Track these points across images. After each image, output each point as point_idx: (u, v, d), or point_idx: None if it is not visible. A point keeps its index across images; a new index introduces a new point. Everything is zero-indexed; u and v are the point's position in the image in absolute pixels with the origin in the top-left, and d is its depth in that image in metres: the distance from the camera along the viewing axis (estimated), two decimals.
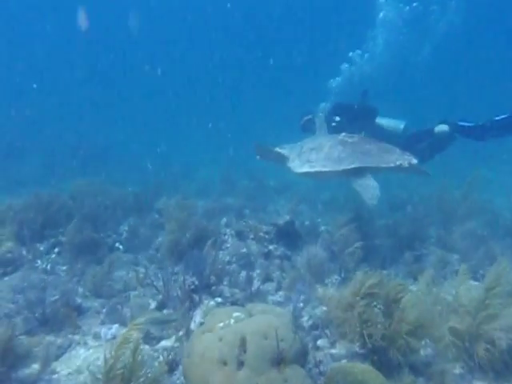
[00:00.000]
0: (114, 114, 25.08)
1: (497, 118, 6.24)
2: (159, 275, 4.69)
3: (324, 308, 3.89)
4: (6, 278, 4.47)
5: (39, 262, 4.92)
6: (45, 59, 32.86)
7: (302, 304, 4.37)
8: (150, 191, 8.99)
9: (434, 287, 3.87)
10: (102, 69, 33.43)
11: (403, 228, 6.17)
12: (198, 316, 3.93)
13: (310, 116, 7.02)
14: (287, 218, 5.94)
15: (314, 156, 5.49)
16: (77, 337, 3.72)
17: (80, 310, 4.19)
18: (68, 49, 33.35)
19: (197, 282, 4.24)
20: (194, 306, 4.09)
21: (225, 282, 4.66)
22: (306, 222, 7.34)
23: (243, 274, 4.80)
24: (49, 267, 4.81)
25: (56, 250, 5.41)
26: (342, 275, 4.90)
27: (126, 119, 24.15)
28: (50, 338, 3.61)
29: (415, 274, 5.05)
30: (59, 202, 5.91)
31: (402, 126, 6.50)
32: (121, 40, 33.75)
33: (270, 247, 5.52)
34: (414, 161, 5.18)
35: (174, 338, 3.74)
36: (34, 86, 21.58)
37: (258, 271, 5.07)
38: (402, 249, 5.73)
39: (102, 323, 4.00)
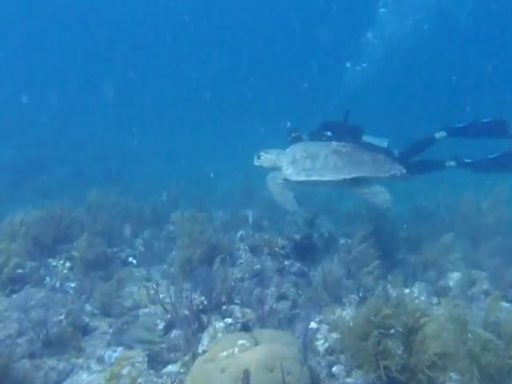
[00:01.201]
0: (137, 121, 25.31)
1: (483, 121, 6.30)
2: (171, 292, 4.53)
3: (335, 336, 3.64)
4: (14, 296, 4.38)
5: (47, 278, 4.82)
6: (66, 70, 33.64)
7: (316, 325, 4.14)
8: (168, 202, 8.91)
9: (460, 311, 3.57)
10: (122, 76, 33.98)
11: (427, 242, 5.84)
12: (205, 339, 3.75)
13: (297, 133, 6.97)
14: (304, 231, 5.69)
15: (309, 165, 5.54)
16: (80, 360, 3.59)
17: (86, 330, 4.07)
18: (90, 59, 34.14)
19: (206, 302, 4.06)
20: (202, 327, 3.91)
21: (236, 301, 4.46)
22: (326, 235, 7.09)
23: (256, 291, 4.59)
24: (57, 284, 4.71)
25: (68, 265, 5.33)
26: (361, 294, 4.62)
27: (149, 126, 24.32)
28: (52, 361, 3.48)
29: (440, 293, 4.75)
30: (71, 215, 5.83)
31: (385, 144, 6.51)
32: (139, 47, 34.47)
33: (286, 263, 5.29)
34: (404, 170, 5.54)
35: (180, 362, 3.57)
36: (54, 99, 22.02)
37: (272, 289, 4.85)
38: (425, 265, 5.41)
39: (108, 345, 3.86)
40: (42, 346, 3.65)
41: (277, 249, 5.31)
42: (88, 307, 4.49)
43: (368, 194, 5.35)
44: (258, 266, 5.08)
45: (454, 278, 5.26)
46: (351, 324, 3.12)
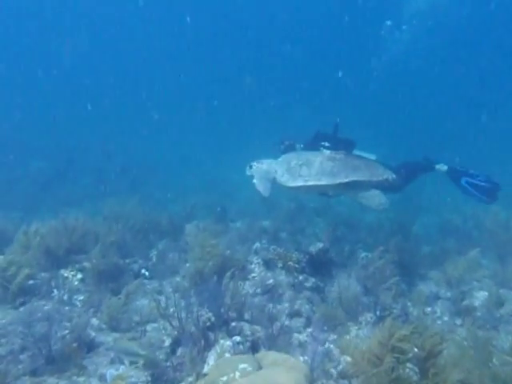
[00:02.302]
0: (157, 130, 25.62)
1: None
2: (178, 307, 4.38)
3: (348, 359, 3.40)
4: (22, 309, 4.32)
5: (55, 291, 4.75)
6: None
7: (330, 345, 3.92)
8: (185, 212, 8.83)
9: (486, 334, 3.29)
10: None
11: (452, 258, 5.52)
12: (211, 358, 3.57)
13: (290, 142, 7.26)
14: (320, 245, 5.47)
15: (305, 171, 5.76)
16: (81, 379, 3.46)
17: (91, 346, 3.95)
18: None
19: (213, 319, 3.89)
20: (208, 345, 3.74)
21: (246, 317, 4.27)
22: (346, 248, 6.85)
23: (268, 307, 4.39)
24: (65, 297, 4.63)
25: (79, 276, 5.26)
26: (378, 313, 4.36)
27: (169, 136, 24.56)
28: (52, 379, 3.37)
29: (464, 313, 4.44)
30: (85, 226, 5.78)
31: (373, 157, 6.74)
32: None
33: (301, 277, 5.07)
34: (394, 175, 5.74)
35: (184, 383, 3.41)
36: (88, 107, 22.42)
37: (285, 304, 4.65)
38: (449, 282, 5.10)
39: (112, 362, 3.73)
40: (45, 363, 3.55)
41: (291, 263, 5.11)
42: (95, 321, 4.37)
43: (363, 197, 5.62)
44: (270, 280, 4.89)
45: (480, 297, 4.91)
46: (363, 347, 2.89)
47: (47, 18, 32.77)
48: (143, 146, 20.59)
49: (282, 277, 5.05)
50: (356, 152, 6.84)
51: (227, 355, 3.56)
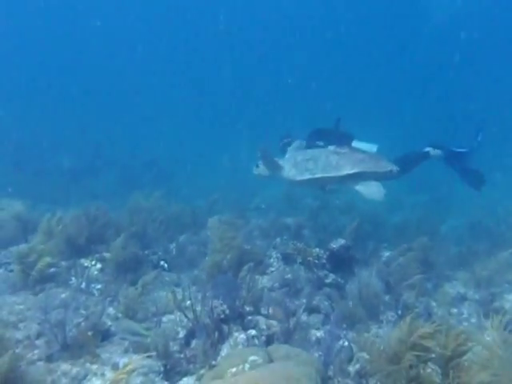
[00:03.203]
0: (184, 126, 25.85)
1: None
2: (193, 299, 4.31)
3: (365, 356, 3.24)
4: (40, 295, 4.35)
5: (73, 279, 4.77)
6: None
7: (346, 342, 3.77)
8: (208, 207, 8.79)
9: None
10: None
11: (481, 258, 5.25)
12: (225, 351, 3.49)
13: (289, 139, 7.36)
14: (342, 241, 5.30)
15: (311, 165, 6.01)
16: (95, 366, 3.43)
17: (106, 335, 3.93)
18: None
19: (228, 311, 3.80)
20: (222, 338, 3.65)
21: (263, 311, 4.17)
22: (369, 247, 6.65)
23: (285, 302, 4.27)
24: (83, 285, 4.64)
25: (99, 266, 5.28)
26: (400, 312, 4.17)
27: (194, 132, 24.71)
28: (66, 366, 3.35)
29: (493, 316, 4.19)
30: (107, 216, 5.80)
31: (374, 148, 6.85)
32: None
33: (320, 273, 4.93)
34: (397, 167, 5.94)
35: (196, 375, 3.33)
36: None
37: (303, 300, 4.52)
38: (478, 283, 4.85)
39: (126, 351, 3.69)
40: (60, 349, 3.54)
41: (310, 258, 4.97)
42: (112, 310, 4.37)
43: (363, 188, 5.78)
44: (289, 275, 4.76)
45: (511, 300, 4.65)
46: (381, 343, 2.74)
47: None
48: (168, 141, 20.82)
49: (301, 272, 4.92)
50: (357, 143, 6.95)
51: (241, 348, 3.48)
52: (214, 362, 3.37)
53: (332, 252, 5.17)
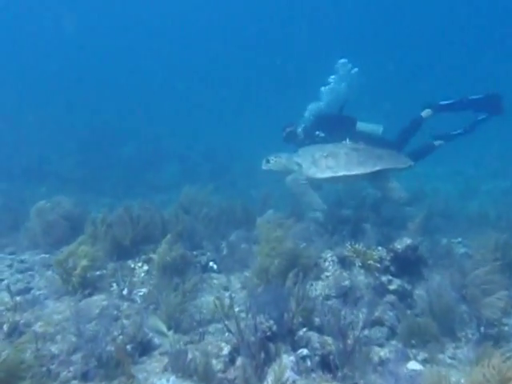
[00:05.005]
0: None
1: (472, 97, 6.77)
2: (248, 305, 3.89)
3: None
4: (81, 303, 4.16)
5: (114, 285, 4.54)
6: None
7: (419, 367, 3.20)
8: (262, 201, 8.36)
9: None
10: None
11: None
12: (271, 375, 3.07)
13: (292, 128, 7.36)
14: (408, 241, 4.65)
15: (332, 162, 5.95)
16: None
17: (148, 348, 3.64)
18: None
19: (274, 328, 3.37)
20: (269, 359, 3.23)
21: (316, 325, 3.68)
22: (441, 243, 5.93)
23: (342, 314, 3.75)
24: (125, 292, 4.40)
25: (145, 268, 5.06)
26: (482, 330, 3.50)
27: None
28: None
29: None
30: (150, 214, 5.56)
31: (380, 129, 6.97)
32: None
33: (383, 279, 4.34)
34: (412, 162, 6.17)
35: None
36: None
37: (363, 310, 3.98)
38: None
39: (164, 370, 3.37)
40: (97, 365, 3.30)
41: (371, 261, 4.39)
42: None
43: (386, 189, 6.08)
44: (346, 281, 4.22)
45: None
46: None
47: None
48: (226, 133, 20.72)
49: (361, 277, 4.37)
50: (360, 126, 7.02)
51: (289, 373, 3.04)
52: None
53: (396, 253, 4.55)
